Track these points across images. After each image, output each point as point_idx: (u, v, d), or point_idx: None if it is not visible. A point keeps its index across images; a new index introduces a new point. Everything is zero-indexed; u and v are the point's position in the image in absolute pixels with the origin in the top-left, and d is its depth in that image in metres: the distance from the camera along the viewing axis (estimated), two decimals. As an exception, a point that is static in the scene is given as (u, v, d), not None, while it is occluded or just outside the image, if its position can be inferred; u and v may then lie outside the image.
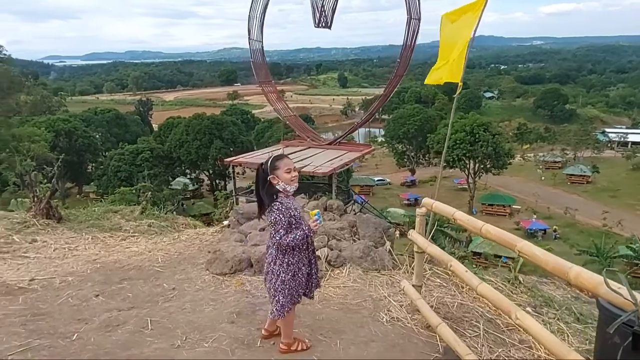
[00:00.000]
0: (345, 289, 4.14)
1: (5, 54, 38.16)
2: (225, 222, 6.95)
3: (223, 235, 6.12)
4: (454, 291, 3.99)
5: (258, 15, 9.14)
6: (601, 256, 29.50)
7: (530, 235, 37.92)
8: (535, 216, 42.51)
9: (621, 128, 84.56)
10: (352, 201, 6.90)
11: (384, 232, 4.90)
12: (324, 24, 7.48)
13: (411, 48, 6.17)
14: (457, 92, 4.25)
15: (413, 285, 3.50)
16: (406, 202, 48.86)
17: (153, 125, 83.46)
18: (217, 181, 52.82)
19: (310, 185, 7.63)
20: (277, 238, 3.12)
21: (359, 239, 4.86)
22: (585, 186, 51.92)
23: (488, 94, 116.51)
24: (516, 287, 4.11)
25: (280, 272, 3.19)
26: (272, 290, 3.13)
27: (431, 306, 3.41)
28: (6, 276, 4.74)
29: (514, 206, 44.94)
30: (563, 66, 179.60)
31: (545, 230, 39.23)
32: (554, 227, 39.65)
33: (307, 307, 3.69)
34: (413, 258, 4.69)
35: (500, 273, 4.54)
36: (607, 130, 79.84)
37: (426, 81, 4.84)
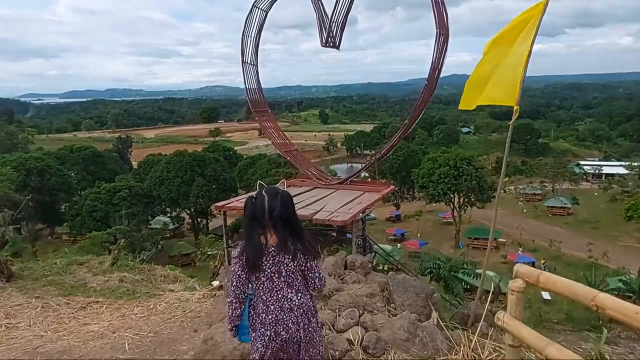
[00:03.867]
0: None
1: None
2: (216, 283, 5.69)
3: (214, 305, 4.91)
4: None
5: (252, 36, 8.51)
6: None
7: (518, 269, 37.60)
8: (521, 249, 42.36)
9: (594, 160, 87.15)
10: (373, 254, 5.99)
11: (429, 298, 4.12)
12: (331, 44, 6.90)
13: (439, 69, 5.59)
14: (513, 118, 3.72)
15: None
16: (392, 237, 48.25)
17: (132, 162, 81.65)
18: (199, 219, 51.24)
19: (316, 233, 6.66)
20: (319, 285, 2.49)
21: (395, 309, 4.05)
22: (566, 218, 52.42)
23: (465, 129, 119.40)
24: (601, 363, 3.42)
25: (321, 341, 2.45)
26: None
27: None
28: None
29: (499, 239, 44.74)
30: (533, 102, 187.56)
31: (533, 263, 38.91)
32: (543, 260, 39.43)
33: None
34: (466, 330, 3.98)
35: (573, 343, 3.85)
36: (582, 162, 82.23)
37: (462, 106, 4.36)
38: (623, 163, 75.93)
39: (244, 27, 8.11)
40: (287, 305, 2.39)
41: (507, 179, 75.69)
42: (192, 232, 49.93)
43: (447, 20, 5.67)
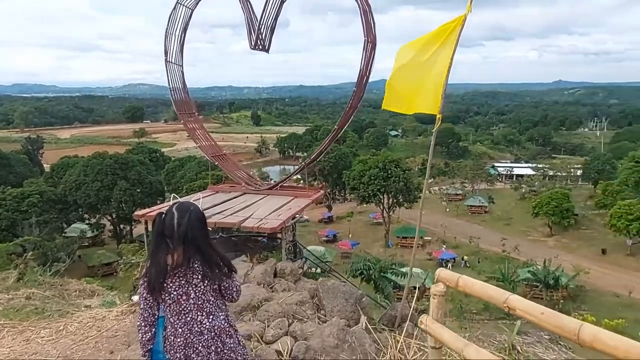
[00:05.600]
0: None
1: None
2: (135, 298, 5.13)
3: (134, 322, 4.37)
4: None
5: (177, 34, 8.11)
6: (506, 281, 31.70)
7: (441, 264, 39.77)
8: (444, 246, 44.90)
9: (506, 162, 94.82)
10: (304, 259, 5.94)
11: (357, 302, 4.15)
12: (260, 47, 6.74)
13: (367, 76, 5.70)
14: (436, 126, 3.87)
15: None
16: (325, 238, 48.91)
17: (44, 165, 74.88)
18: (122, 226, 48.22)
19: (246, 240, 6.49)
20: (236, 297, 2.45)
21: (325, 316, 4.03)
22: (483, 216, 56.45)
23: (393, 133, 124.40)
24: (515, 358, 3.66)
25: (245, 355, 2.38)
26: None
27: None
28: None
29: (425, 237, 47.07)
30: (454, 108, 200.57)
31: (454, 258, 41.41)
32: (464, 256, 42.06)
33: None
34: (394, 332, 4.07)
35: (489, 335, 4.08)
36: (496, 164, 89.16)
37: (384, 106, 4.48)
38: (531, 165, 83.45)
39: (168, 25, 7.70)
40: (196, 328, 2.28)
41: (432, 180, 79.94)
42: (114, 240, 46.91)
43: (374, 29, 5.82)
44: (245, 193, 7.27)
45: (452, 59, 3.89)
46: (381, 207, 48.51)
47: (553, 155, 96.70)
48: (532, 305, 1.95)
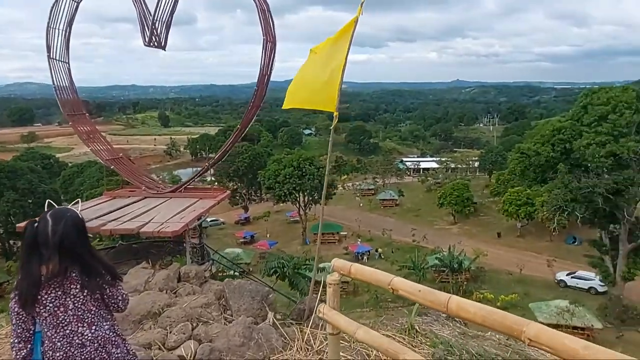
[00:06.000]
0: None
1: None
2: None
3: None
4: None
5: (61, 28, 7.38)
6: (416, 268, 33.82)
7: (357, 258, 41.25)
8: (359, 240, 46.58)
9: (413, 157, 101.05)
10: (211, 262, 5.74)
11: (264, 300, 4.14)
12: (156, 44, 6.36)
13: (268, 75, 5.66)
14: (334, 123, 3.98)
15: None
16: (242, 240, 48.18)
17: None
18: (11, 241, 43.13)
19: (149, 246, 6.13)
20: (122, 306, 2.33)
21: (231, 316, 3.98)
22: (394, 208, 59.54)
23: (307, 131, 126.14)
24: (413, 337, 3.93)
25: None
26: None
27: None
28: None
29: (341, 233, 48.44)
30: (364, 106, 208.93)
31: (369, 251, 43.16)
32: (377, 248, 43.98)
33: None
34: (301, 325, 4.14)
35: (393, 319, 4.33)
36: (404, 159, 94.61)
37: (285, 106, 4.54)
38: (435, 158, 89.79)
39: (50, 18, 6.98)
40: (77, 340, 2.14)
41: (346, 176, 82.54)
42: (3, 258, 41.84)
43: (273, 28, 5.84)
44: (145, 197, 6.85)
45: (346, 59, 4.04)
46: (297, 205, 48.97)
47: (454, 149, 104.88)
48: (411, 284, 2.12)
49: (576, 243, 40.90)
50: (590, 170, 27.44)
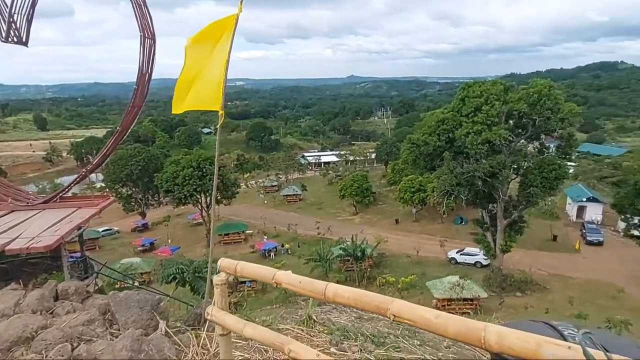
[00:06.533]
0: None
1: None
2: None
3: None
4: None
5: None
6: (322, 260, 34.81)
7: (264, 255, 41.20)
8: (266, 237, 46.53)
9: (314, 152, 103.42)
10: (95, 275, 5.21)
11: (154, 309, 3.90)
12: (15, 39, 5.56)
13: (148, 73, 5.28)
14: (220, 122, 3.89)
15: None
16: (141, 248, 45.31)
17: None
18: None
19: (22, 265, 5.43)
20: None
21: (118, 330, 3.71)
22: (298, 203, 60.49)
23: (206, 130, 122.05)
24: (312, 327, 4.03)
25: None
26: None
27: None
28: None
29: (247, 231, 47.92)
30: (263, 103, 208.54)
31: (276, 247, 43.35)
32: (282, 243, 44.32)
33: None
34: (197, 330, 4.00)
35: (293, 312, 4.40)
36: (306, 154, 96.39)
37: (174, 111, 4.34)
38: (335, 152, 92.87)
39: None
40: None
41: (249, 174, 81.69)
42: None
43: (151, 24, 5.51)
44: (13, 211, 6.01)
45: (229, 57, 3.97)
46: (200, 207, 47.30)
47: (352, 142, 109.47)
48: (293, 276, 2.17)
49: (463, 223, 45.45)
50: (470, 157, 30.50)
